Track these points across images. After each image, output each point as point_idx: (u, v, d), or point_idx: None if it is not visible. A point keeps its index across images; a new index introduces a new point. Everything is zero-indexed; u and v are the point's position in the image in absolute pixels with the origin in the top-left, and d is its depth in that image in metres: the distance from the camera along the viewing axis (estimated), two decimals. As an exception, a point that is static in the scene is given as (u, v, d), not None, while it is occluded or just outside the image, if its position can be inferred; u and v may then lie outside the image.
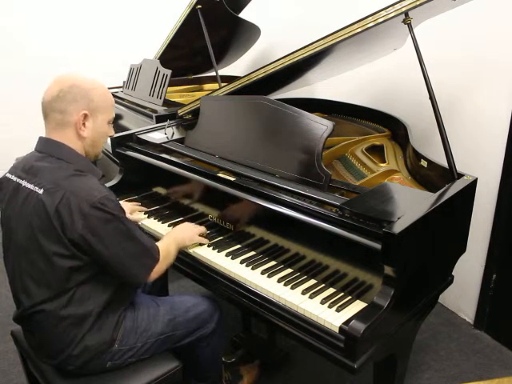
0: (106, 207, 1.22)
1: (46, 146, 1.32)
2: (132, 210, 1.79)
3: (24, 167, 1.32)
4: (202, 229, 1.62)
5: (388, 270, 1.19)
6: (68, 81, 1.29)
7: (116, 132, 2.10)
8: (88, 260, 1.25)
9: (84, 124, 1.31)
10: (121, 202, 1.73)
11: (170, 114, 2.32)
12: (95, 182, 1.28)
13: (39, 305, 1.28)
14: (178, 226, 1.62)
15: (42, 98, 1.31)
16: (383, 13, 1.50)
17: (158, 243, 1.42)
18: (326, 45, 1.59)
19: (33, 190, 1.26)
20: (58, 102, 1.28)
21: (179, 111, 2.24)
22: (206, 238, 1.61)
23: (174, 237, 1.52)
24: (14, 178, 1.33)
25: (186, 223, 1.66)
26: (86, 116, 1.30)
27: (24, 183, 1.29)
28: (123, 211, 1.30)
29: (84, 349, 1.29)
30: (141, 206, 1.86)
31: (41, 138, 1.35)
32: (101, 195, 1.22)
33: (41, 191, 1.24)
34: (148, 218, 1.82)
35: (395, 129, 2.09)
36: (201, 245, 1.60)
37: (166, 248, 1.43)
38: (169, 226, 1.74)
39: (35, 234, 1.24)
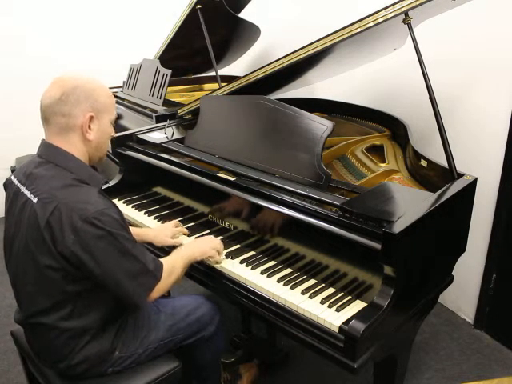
0: (99, 222, 1.14)
1: (46, 152, 1.26)
2: (174, 233, 1.64)
3: (25, 172, 1.28)
4: (219, 244, 1.51)
5: (388, 269, 1.19)
6: (70, 82, 1.23)
7: (116, 132, 2.11)
8: (81, 275, 1.20)
9: (90, 127, 1.25)
10: (165, 225, 1.66)
11: (169, 114, 2.32)
12: (92, 195, 1.20)
13: (38, 316, 1.25)
14: (194, 240, 1.55)
15: (40, 102, 1.24)
16: (383, 13, 1.50)
17: (164, 259, 1.35)
18: (325, 45, 1.59)
19: (29, 197, 1.21)
20: (60, 105, 1.21)
21: (179, 111, 2.24)
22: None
23: (183, 252, 1.44)
24: (15, 182, 1.29)
25: (204, 237, 1.57)
26: (92, 118, 1.24)
27: (23, 189, 1.25)
28: (123, 227, 1.22)
29: (84, 358, 1.28)
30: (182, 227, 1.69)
31: (42, 142, 1.28)
32: (95, 209, 1.15)
33: (35, 200, 1.19)
34: (148, 217, 1.82)
35: (395, 129, 2.09)
36: None
37: (170, 265, 1.34)
38: (169, 225, 1.74)
39: (29, 244, 1.20)
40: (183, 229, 1.68)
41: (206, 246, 1.48)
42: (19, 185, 1.27)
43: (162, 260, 1.33)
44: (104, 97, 1.28)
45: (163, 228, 1.66)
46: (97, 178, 1.30)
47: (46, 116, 1.24)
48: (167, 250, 1.59)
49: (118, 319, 1.35)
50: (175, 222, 1.69)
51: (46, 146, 1.27)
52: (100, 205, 1.17)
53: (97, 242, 1.15)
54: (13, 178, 1.33)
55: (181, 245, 1.59)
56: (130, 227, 1.68)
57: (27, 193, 1.23)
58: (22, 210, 1.23)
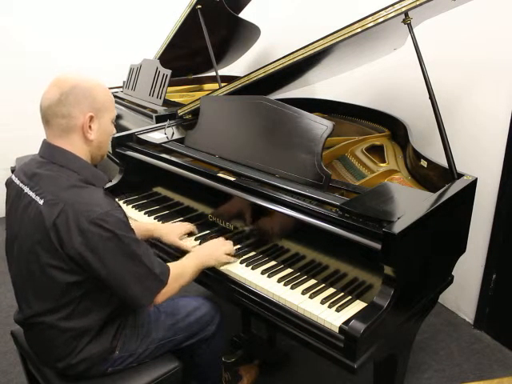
0: (106, 224, 1.14)
1: (49, 152, 1.25)
2: (183, 233, 1.64)
3: (26, 172, 1.27)
4: (231, 247, 1.52)
5: (388, 269, 1.19)
6: (68, 82, 1.21)
7: (116, 132, 2.12)
8: (87, 276, 1.20)
9: (90, 127, 1.24)
10: (177, 225, 1.67)
11: (169, 114, 2.32)
12: (98, 195, 1.20)
13: (39, 316, 1.25)
14: (206, 244, 1.55)
15: (40, 104, 1.23)
16: (383, 13, 1.50)
17: (173, 263, 1.36)
18: (325, 45, 1.59)
19: (34, 198, 1.21)
20: (60, 106, 1.20)
21: (179, 111, 2.24)
22: (234, 256, 1.52)
23: (196, 257, 1.45)
24: (17, 182, 1.29)
25: (216, 240, 1.56)
26: (92, 118, 1.24)
27: (26, 189, 1.24)
28: (129, 229, 1.22)
29: (84, 358, 1.28)
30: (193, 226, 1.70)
31: (44, 142, 1.27)
32: (102, 211, 1.15)
33: (41, 202, 1.19)
34: (148, 217, 1.82)
35: (395, 129, 2.09)
36: None
37: (179, 269, 1.35)
38: (169, 225, 1.74)
39: (34, 245, 1.20)
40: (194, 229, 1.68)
41: (221, 253, 1.48)
42: (22, 185, 1.27)
43: (170, 264, 1.33)
44: (103, 95, 1.27)
45: (175, 227, 1.66)
46: (101, 177, 1.30)
47: (47, 118, 1.23)
48: (174, 251, 1.61)
49: (118, 319, 1.35)
50: (185, 224, 1.68)
51: (48, 147, 1.26)
52: (106, 206, 1.17)
53: (103, 244, 1.15)
54: (13, 177, 1.32)
55: (187, 250, 1.57)
56: (139, 221, 1.69)
57: (32, 194, 1.22)
58: (26, 210, 1.23)
